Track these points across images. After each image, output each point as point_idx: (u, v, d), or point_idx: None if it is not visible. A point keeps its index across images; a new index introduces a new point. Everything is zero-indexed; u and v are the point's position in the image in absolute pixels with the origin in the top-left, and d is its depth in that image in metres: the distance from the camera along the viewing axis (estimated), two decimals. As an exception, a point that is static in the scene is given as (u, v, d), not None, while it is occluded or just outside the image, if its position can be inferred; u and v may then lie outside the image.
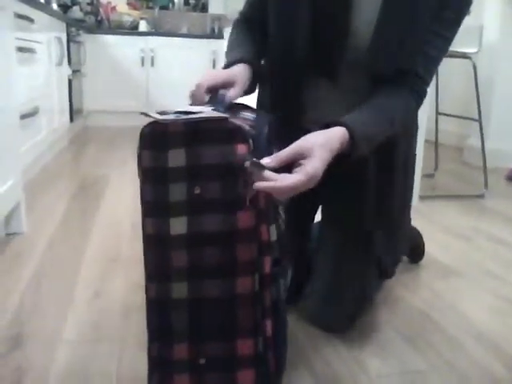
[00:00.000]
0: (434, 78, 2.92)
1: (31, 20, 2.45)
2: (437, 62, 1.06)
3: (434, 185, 2.79)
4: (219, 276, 0.82)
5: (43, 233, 1.83)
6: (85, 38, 4.49)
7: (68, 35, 3.68)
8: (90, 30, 4.67)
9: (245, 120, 0.85)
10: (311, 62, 1.10)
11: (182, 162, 0.80)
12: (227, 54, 1.12)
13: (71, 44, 3.78)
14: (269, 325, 0.87)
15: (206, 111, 0.83)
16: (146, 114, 0.81)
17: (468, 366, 1.10)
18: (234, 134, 0.79)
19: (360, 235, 1.19)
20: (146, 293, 0.87)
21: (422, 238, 1.66)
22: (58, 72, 3.28)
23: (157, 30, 5.20)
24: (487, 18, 3.24)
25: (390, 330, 1.24)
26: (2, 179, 1.62)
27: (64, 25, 3.57)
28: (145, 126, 0.82)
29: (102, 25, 5.10)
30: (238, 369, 0.85)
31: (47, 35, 2.95)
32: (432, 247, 1.78)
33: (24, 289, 1.39)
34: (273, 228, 0.86)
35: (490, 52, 3.25)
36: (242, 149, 0.79)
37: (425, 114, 2.25)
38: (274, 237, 0.86)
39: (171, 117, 0.80)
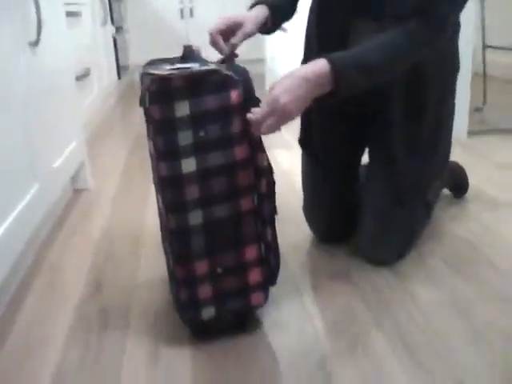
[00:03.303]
0: (480, 10, 2.83)
1: (75, -18, 2.51)
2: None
3: (482, 119, 2.76)
4: (226, 200, 0.99)
5: (108, 187, 1.97)
6: (124, -7, 4.52)
7: (109, -7, 3.72)
8: (129, -15, 4.69)
9: (227, 71, 0.97)
10: (357, 7, 1.16)
11: (187, 111, 0.93)
12: None
13: (112, 1, 3.82)
14: (268, 232, 1.06)
15: (195, 66, 0.96)
16: (149, 73, 0.94)
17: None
18: (228, 83, 0.94)
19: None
20: (166, 224, 1.01)
21: (464, 171, 1.69)
22: (103, 31, 3.35)
23: (194, -20, 5.16)
24: None
25: (438, 261, 1.30)
26: (66, 142, 1.74)
27: (104, -17, 3.60)
28: (150, 85, 0.93)
29: (139, -22, 5.10)
30: (248, 270, 1.03)
31: (90, -5, 3.01)
32: (481, 181, 1.81)
33: (98, 238, 1.53)
34: (265, 155, 1.02)
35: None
36: (234, 94, 0.95)
37: (470, 47, 2.21)
38: (266, 162, 1.02)
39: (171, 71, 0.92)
